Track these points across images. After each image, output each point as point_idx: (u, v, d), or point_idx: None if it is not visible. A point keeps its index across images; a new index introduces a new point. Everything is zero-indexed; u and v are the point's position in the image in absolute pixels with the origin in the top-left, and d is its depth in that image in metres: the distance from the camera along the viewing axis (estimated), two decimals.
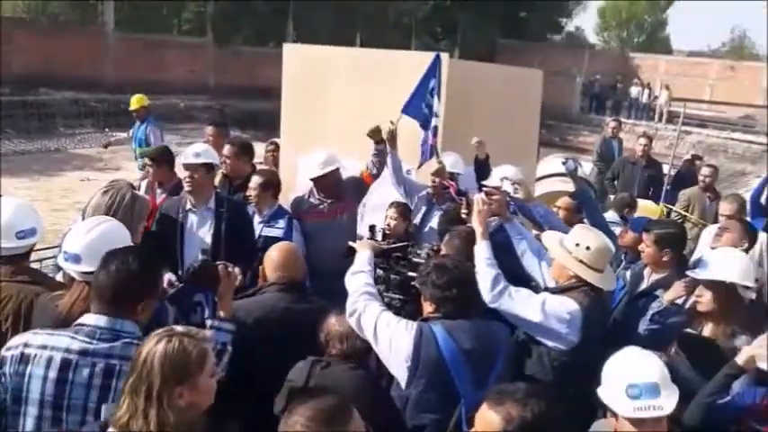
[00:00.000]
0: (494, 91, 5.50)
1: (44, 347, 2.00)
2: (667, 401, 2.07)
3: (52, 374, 1.97)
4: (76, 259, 2.36)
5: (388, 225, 4.31)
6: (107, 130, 15.16)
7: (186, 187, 3.87)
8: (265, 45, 22.45)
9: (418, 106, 4.59)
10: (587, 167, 8.32)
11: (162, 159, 4.81)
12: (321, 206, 4.43)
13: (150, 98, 16.95)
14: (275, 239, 3.99)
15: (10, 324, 2.53)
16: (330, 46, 6.41)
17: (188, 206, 3.85)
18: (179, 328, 1.83)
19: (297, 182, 5.06)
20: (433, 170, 4.44)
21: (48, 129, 14.36)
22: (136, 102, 8.50)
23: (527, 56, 26.04)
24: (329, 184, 4.38)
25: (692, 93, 26.73)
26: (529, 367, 2.77)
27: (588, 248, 2.81)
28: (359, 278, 2.72)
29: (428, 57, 4.76)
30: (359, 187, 4.58)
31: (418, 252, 3.15)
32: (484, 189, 3.43)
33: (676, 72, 30.90)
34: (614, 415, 2.13)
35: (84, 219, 2.88)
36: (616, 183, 8.02)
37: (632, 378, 2.09)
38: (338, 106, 5.33)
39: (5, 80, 14.92)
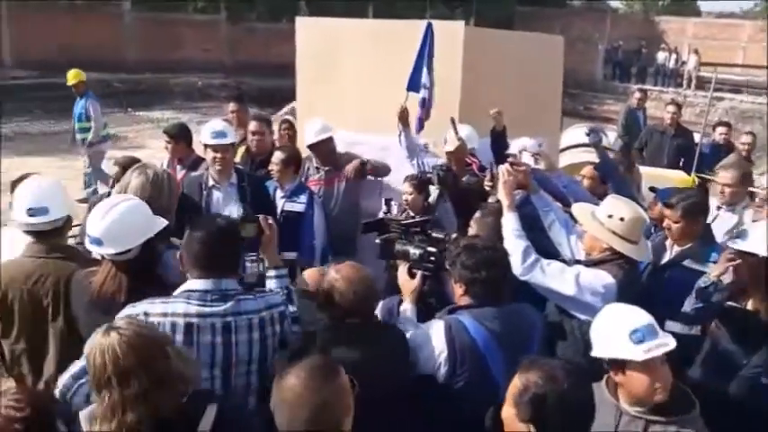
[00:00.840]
0: (512, 59, 5.39)
1: (164, 315, 2.15)
2: (668, 338, 2.11)
3: (179, 338, 2.12)
4: (98, 242, 2.41)
5: (406, 201, 4.30)
6: (130, 109, 15.29)
7: (216, 167, 3.91)
8: (279, 21, 22.29)
9: (418, 79, 4.57)
10: (612, 137, 8.16)
11: (180, 136, 4.89)
12: (319, 174, 4.66)
13: (169, 77, 17.12)
14: (297, 214, 4.23)
15: (50, 299, 2.64)
16: (342, 18, 6.34)
17: (210, 182, 3.93)
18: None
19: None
20: (453, 148, 4.36)
21: (71, 109, 14.50)
22: (73, 77, 8.60)
23: (546, 22, 25.54)
24: (324, 151, 4.60)
25: (723, 57, 25.79)
26: (561, 348, 2.75)
27: (622, 219, 2.74)
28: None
29: (442, 25, 4.69)
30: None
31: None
32: (509, 159, 3.34)
33: (705, 35, 29.93)
34: (618, 372, 2.13)
35: None
36: (644, 153, 7.82)
37: (631, 325, 2.10)
38: (353, 79, 5.29)
39: (30, 62, 15.10)
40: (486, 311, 2.42)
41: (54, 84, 15.11)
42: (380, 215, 4.21)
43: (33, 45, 15.52)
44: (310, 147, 4.62)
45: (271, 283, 2.56)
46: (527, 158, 3.51)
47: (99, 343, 1.71)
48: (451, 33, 4.94)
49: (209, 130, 3.94)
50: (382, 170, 4.71)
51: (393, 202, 4.22)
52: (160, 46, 17.82)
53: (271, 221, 2.62)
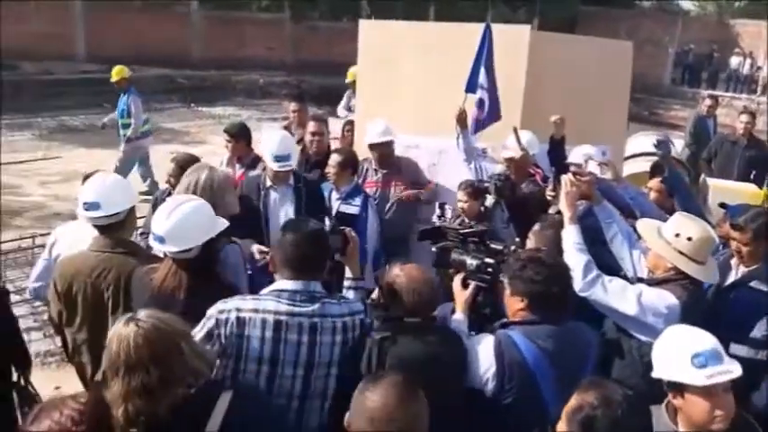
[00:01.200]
0: (579, 64, 5.23)
1: (256, 311, 2.24)
2: (733, 365, 2.02)
3: (268, 334, 2.22)
4: (162, 240, 2.49)
5: (462, 208, 4.24)
6: (193, 105, 15.72)
7: (279, 177, 3.93)
8: (340, 20, 22.47)
9: (475, 81, 4.50)
10: (679, 145, 7.84)
11: (240, 135, 4.98)
12: (377, 176, 4.71)
13: (232, 74, 17.50)
14: (351, 216, 4.23)
15: (111, 293, 2.73)
16: (405, 21, 6.31)
17: (268, 183, 3.98)
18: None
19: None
20: (515, 156, 4.27)
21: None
22: (116, 73, 8.76)
23: (612, 24, 24.72)
24: (384, 153, 4.67)
25: None
26: (618, 368, 2.64)
27: (690, 239, 2.62)
28: None
29: (507, 29, 4.62)
30: (417, 175, 4.71)
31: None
32: (571, 169, 3.23)
33: None
34: (677, 395, 2.06)
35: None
36: (712, 164, 7.46)
37: (694, 348, 2.02)
38: (412, 81, 5.26)
39: (102, 57, 15.69)
40: (540, 329, 2.34)
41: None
42: (434, 219, 4.18)
43: (105, 41, 16.15)
44: (371, 146, 4.66)
45: (349, 294, 2.65)
46: (593, 168, 3.38)
47: (118, 332, 1.79)
48: (516, 37, 4.85)
49: (271, 150, 3.86)
50: (434, 199, 4.68)
51: (447, 207, 4.19)
52: (225, 44, 18.24)
53: (354, 234, 2.70)
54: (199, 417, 1.80)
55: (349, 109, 7.87)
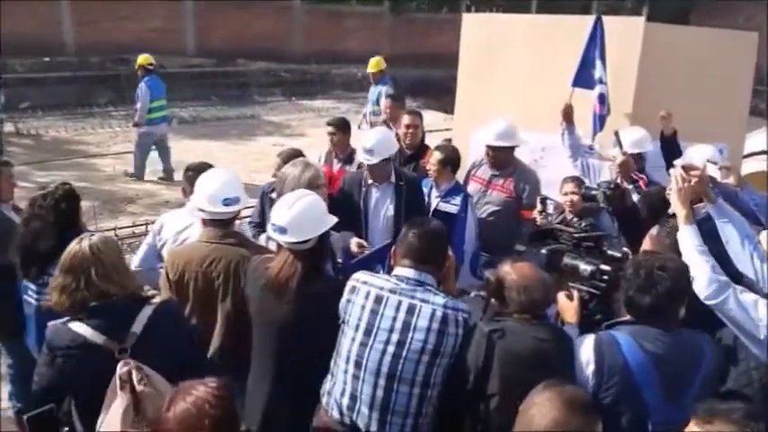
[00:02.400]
0: (696, 57, 4.93)
1: (365, 283, 2.43)
2: None
3: (368, 305, 2.37)
4: (282, 231, 2.60)
5: (569, 203, 4.07)
6: (294, 98, 16.17)
7: (376, 174, 3.95)
8: (439, 11, 22.30)
9: (588, 75, 4.29)
10: None
11: (343, 128, 5.07)
12: (486, 172, 4.55)
13: (332, 67, 17.83)
14: (450, 215, 4.14)
15: (221, 281, 2.86)
16: (508, 13, 6.17)
17: (369, 180, 3.99)
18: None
19: (469, 149, 5.00)
20: (618, 162, 4.02)
21: (244, 97, 15.62)
22: (142, 60, 9.16)
23: (729, 12, 22.97)
24: (498, 158, 4.45)
25: None
26: (734, 378, 2.44)
27: None
28: None
29: (619, 21, 4.42)
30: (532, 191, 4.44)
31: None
32: (681, 164, 2.89)
33: None
34: None
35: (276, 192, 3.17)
36: None
37: None
38: (515, 76, 5.16)
39: (210, 51, 16.45)
40: (649, 332, 2.22)
41: (229, 72, 16.39)
42: (535, 214, 4.05)
43: (213, 35, 16.89)
44: (487, 147, 4.46)
45: None
46: (713, 172, 3.12)
47: (72, 248, 2.36)
48: (629, 29, 4.63)
49: (363, 144, 3.92)
50: None
51: (549, 201, 4.04)
52: (326, 37, 18.58)
53: (451, 254, 2.68)
54: (123, 320, 2.30)
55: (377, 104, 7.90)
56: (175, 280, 2.93)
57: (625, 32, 4.57)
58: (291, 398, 2.64)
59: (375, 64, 8.77)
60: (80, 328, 2.26)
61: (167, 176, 9.20)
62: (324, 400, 2.51)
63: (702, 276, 2.38)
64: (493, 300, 2.43)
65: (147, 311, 2.34)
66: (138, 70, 9.33)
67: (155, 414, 1.88)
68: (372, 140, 3.91)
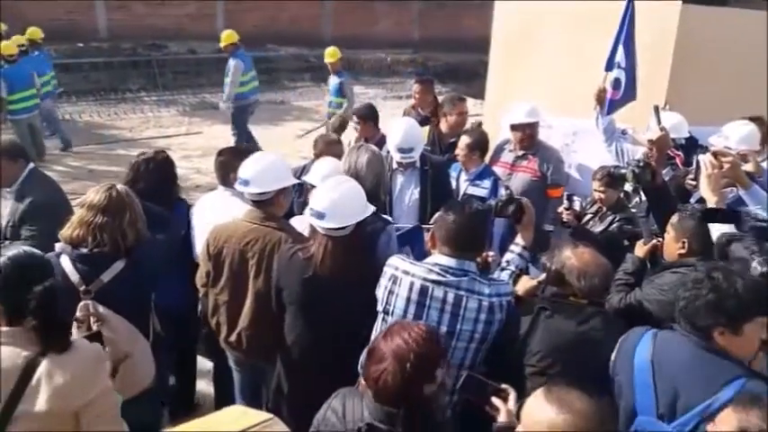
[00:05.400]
0: (735, 42, 4.79)
1: (407, 273, 2.39)
2: None
3: (414, 297, 2.35)
4: (321, 216, 2.63)
5: (600, 198, 4.00)
6: (323, 83, 16.16)
7: (404, 164, 3.92)
8: None
9: (613, 59, 4.24)
10: None
11: (369, 117, 5.08)
12: (508, 156, 4.57)
13: (361, 52, 17.76)
14: (479, 199, 4.10)
15: (256, 261, 2.94)
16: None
17: (395, 165, 3.95)
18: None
19: (500, 135, 4.96)
20: (655, 137, 3.89)
21: (274, 82, 15.65)
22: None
23: None
24: (526, 135, 4.46)
25: None
26: None
27: None
28: None
29: (654, 5, 4.32)
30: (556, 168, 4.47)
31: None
32: (712, 149, 2.82)
33: None
34: None
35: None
36: None
37: None
38: (547, 61, 5.09)
39: (240, 38, 16.50)
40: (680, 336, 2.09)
41: (259, 57, 16.44)
42: (561, 210, 4.02)
43: (244, 20, 16.94)
44: (513, 127, 4.51)
45: (511, 256, 2.73)
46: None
47: (108, 192, 2.69)
48: (665, 13, 4.52)
49: (396, 142, 3.85)
50: None
51: (576, 198, 4.03)
52: (355, 22, 18.51)
53: (530, 204, 2.75)
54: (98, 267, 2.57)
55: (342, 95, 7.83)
56: (214, 254, 3.02)
57: (661, 15, 4.48)
58: (329, 382, 2.67)
59: (332, 53, 8.51)
60: (66, 264, 2.59)
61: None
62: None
63: None
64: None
65: (119, 265, 2.63)
66: (226, 49, 9.38)
67: (109, 352, 2.17)
68: (412, 138, 3.86)
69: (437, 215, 2.52)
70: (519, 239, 2.79)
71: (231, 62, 9.07)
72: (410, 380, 1.74)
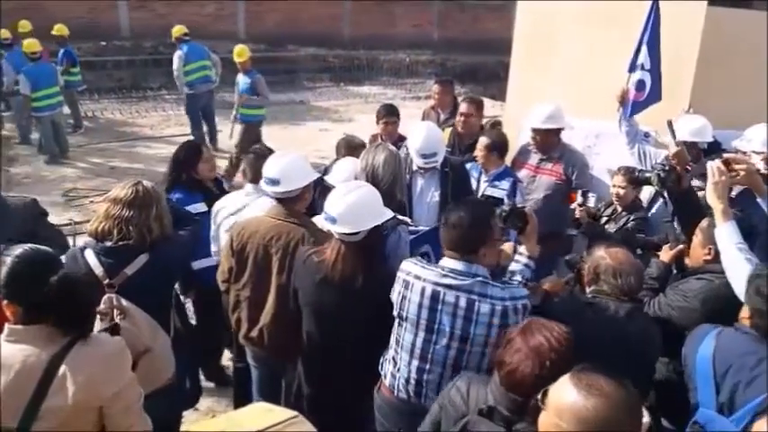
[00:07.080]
0: (760, 43, 4.72)
1: (418, 278, 2.37)
2: None
3: (426, 302, 2.34)
4: (334, 221, 2.62)
5: (617, 194, 4.00)
6: (342, 84, 16.20)
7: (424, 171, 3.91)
8: None
9: (636, 61, 4.19)
10: None
11: (391, 116, 5.04)
12: (534, 158, 4.52)
13: (380, 53, 17.78)
14: (498, 200, 4.07)
15: (279, 257, 2.96)
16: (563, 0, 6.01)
17: (414, 167, 3.93)
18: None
19: (520, 136, 4.93)
20: (672, 153, 3.85)
21: (293, 82, 15.70)
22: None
23: None
24: (545, 141, 4.42)
25: None
26: None
27: None
28: None
29: (680, 6, 4.27)
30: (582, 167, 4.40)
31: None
32: (724, 156, 2.79)
33: None
34: None
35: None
36: None
37: None
38: (570, 62, 5.05)
39: (260, 36, 16.61)
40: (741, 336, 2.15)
41: (279, 57, 16.51)
42: (574, 205, 4.00)
43: (264, 20, 17.05)
44: (533, 130, 4.46)
45: (517, 267, 2.66)
46: (758, 162, 2.99)
47: (135, 187, 2.71)
48: (690, 13, 4.46)
49: (417, 147, 3.81)
50: None
51: (591, 195, 3.99)
52: (375, 23, 18.53)
53: (532, 213, 2.74)
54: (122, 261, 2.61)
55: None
56: (238, 249, 3.05)
57: (685, 16, 4.42)
58: (341, 382, 2.72)
59: (241, 52, 8.44)
60: (91, 257, 2.64)
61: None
62: (387, 381, 2.55)
63: (743, 276, 2.25)
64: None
65: (143, 258, 2.65)
66: (176, 41, 9.54)
67: (130, 345, 2.14)
68: (433, 143, 3.82)
69: (443, 216, 2.50)
70: (523, 249, 2.73)
71: (175, 54, 9.30)
72: (545, 376, 1.73)
